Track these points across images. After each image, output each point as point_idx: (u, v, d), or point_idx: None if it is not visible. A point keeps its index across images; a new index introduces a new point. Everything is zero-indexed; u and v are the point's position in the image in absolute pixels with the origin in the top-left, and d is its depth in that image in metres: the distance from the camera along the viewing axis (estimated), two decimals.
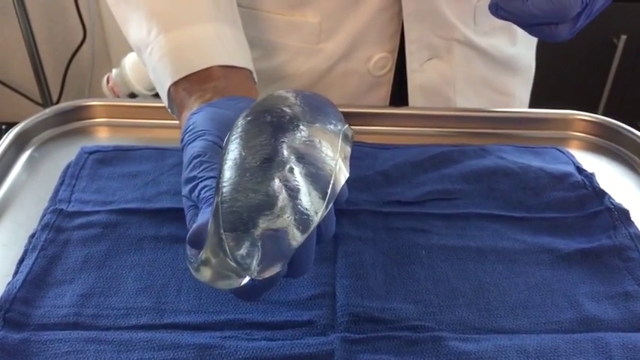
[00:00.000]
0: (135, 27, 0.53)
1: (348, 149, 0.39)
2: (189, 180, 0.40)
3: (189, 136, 0.43)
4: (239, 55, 0.52)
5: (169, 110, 0.52)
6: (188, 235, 0.37)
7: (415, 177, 0.57)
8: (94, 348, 0.41)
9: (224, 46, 0.51)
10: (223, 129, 0.41)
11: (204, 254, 0.35)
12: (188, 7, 0.52)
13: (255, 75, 0.53)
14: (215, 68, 0.49)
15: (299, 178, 0.35)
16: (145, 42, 0.51)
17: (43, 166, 0.59)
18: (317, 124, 0.39)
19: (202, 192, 0.39)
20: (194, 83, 0.48)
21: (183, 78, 0.49)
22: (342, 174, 0.37)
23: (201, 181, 0.39)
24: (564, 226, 0.52)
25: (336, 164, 0.37)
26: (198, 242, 0.36)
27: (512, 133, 0.67)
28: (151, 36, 0.51)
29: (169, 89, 0.50)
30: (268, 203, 0.34)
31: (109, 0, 0.56)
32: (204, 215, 0.37)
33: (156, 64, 0.51)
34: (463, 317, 0.44)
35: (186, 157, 0.42)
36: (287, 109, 0.39)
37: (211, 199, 0.38)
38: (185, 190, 0.40)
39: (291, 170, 0.35)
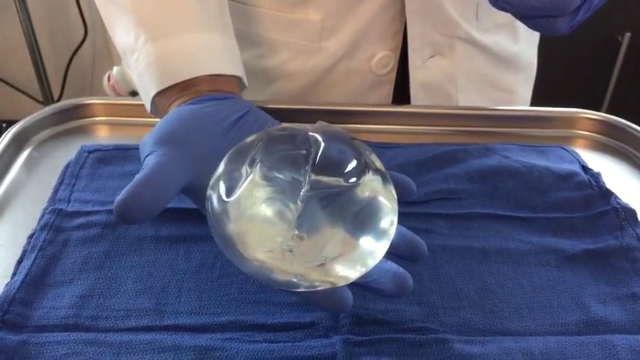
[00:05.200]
0: (122, 31, 0.53)
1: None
2: None
3: None
4: (227, 64, 0.52)
5: (153, 115, 0.53)
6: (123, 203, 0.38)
7: (418, 176, 0.56)
8: (94, 350, 0.40)
9: (212, 55, 0.51)
10: (183, 124, 0.45)
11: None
12: (176, 15, 0.52)
13: (245, 80, 0.54)
14: (201, 77, 0.49)
15: None
16: (132, 48, 0.52)
17: (42, 166, 0.58)
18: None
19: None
20: (176, 92, 0.49)
21: (168, 87, 0.49)
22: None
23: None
24: (570, 227, 0.52)
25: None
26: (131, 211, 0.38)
27: (517, 132, 0.66)
28: (138, 43, 0.51)
29: (154, 98, 0.51)
30: None
31: (97, 1, 0.56)
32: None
33: (142, 72, 0.51)
34: (468, 319, 0.44)
35: None
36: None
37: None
38: None
39: None
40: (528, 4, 0.46)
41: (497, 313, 0.44)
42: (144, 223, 0.44)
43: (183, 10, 0.52)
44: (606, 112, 0.67)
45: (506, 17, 0.51)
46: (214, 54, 0.52)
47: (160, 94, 0.50)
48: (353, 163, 0.38)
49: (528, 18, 0.49)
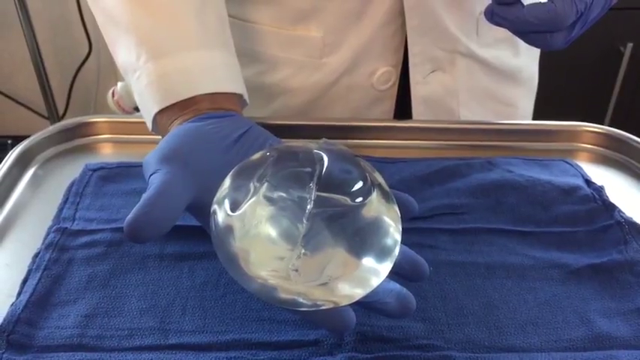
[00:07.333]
0: (123, 50, 0.54)
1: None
2: None
3: None
4: (228, 81, 0.53)
5: (155, 133, 0.54)
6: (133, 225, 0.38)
7: (422, 191, 0.56)
8: None
9: (213, 73, 0.52)
10: (186, 141, 0.45)
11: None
12: (177, 33, 0.53)
13: (246, 97, 0.54)
14: (201, 95, 0.50)
15: None
16: (133, 67, 0.52)
17: (47, 184, 0.59)
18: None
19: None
20: (177, 110, 0.50)
21: (169, 105, 0.50)
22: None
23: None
24: (574, 241, 0.52)
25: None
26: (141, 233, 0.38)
27: (519, 146, 0.66)
28: (139, 62, 0.52)
29: (155, 116, 0.51)
30: None
31: (98, 20, 0.57)
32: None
33: (143, 90, 0.52)
34: (472, 335, 0.44)
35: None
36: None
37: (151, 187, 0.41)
38: None
39: None
40: (525, 20, 0.47)
41: (501, 329, 0.44)
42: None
43: (184, 28, 0.53)
44: (609, 123, 0.67)
45: (507, 32, 0.51)
46: (215, 72, 0.52)
47: (161, 112, 0.51)
48: (358, 183, 0.38)
49: (525, 33, 0.49)
